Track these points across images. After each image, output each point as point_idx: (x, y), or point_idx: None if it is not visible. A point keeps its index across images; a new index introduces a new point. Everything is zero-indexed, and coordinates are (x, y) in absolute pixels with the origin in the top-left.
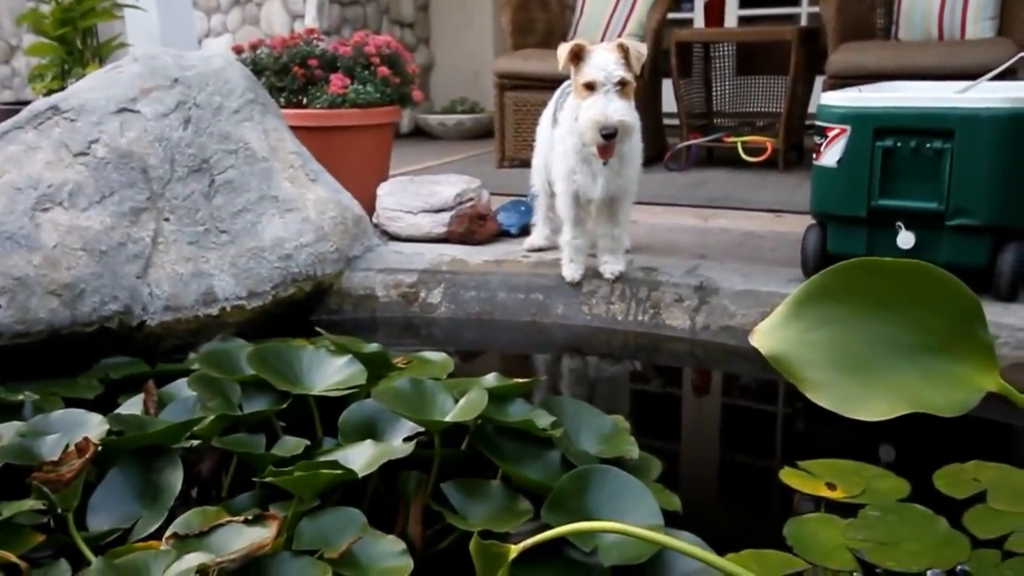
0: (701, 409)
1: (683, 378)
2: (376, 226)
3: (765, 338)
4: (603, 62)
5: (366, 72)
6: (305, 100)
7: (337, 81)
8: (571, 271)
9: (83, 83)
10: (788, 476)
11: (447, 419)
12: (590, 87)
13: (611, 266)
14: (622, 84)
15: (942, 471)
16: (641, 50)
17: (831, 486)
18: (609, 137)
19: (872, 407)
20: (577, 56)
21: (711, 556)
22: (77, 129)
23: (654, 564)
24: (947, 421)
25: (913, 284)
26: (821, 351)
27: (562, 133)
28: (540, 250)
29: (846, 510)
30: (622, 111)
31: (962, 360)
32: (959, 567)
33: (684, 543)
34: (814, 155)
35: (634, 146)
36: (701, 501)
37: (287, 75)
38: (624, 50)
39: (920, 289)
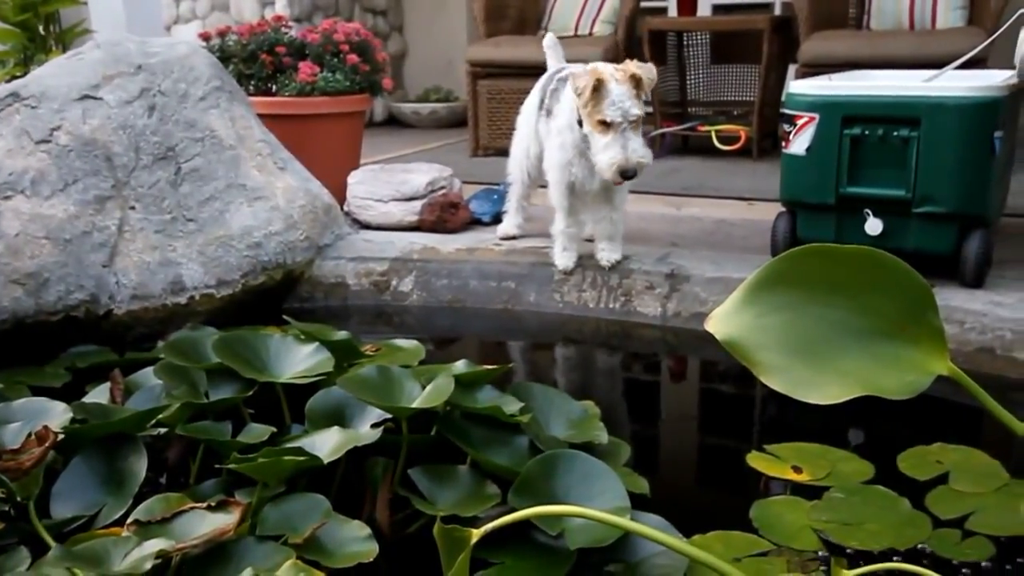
0: (671, 395)
1: (654, 365)
2: (347, 215)
3: (720, 323)
4: (619, 99)
5: (335, 60)
6: (274, 88)
7: (306, 69)
8: (564, 259)
9: (44, 70)
10: (755, 460)
11: (414, 405)
12: (606, 125)
13: (608, 254)
14: (637, 118)
15: (906, 453)
16: (652, 75)
17: (797, 469)
18: (629, 178)
19: (824, 390)
20: (596, 89)
21: (671, 539)
22: (38, 116)
23: (620, 546)
24: (912, 404)
25: (865, 270)
26: (774, 336)
27: (560, 126)
28: (512, 238)
29: (811, 492)
30: (640, 151)
31: (913, 344)
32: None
33: (643, 526)
34: (783, 143)
35: None
36: (669, 485)
37: (255, 63)
38: (637, 80)
39: (872, 275)
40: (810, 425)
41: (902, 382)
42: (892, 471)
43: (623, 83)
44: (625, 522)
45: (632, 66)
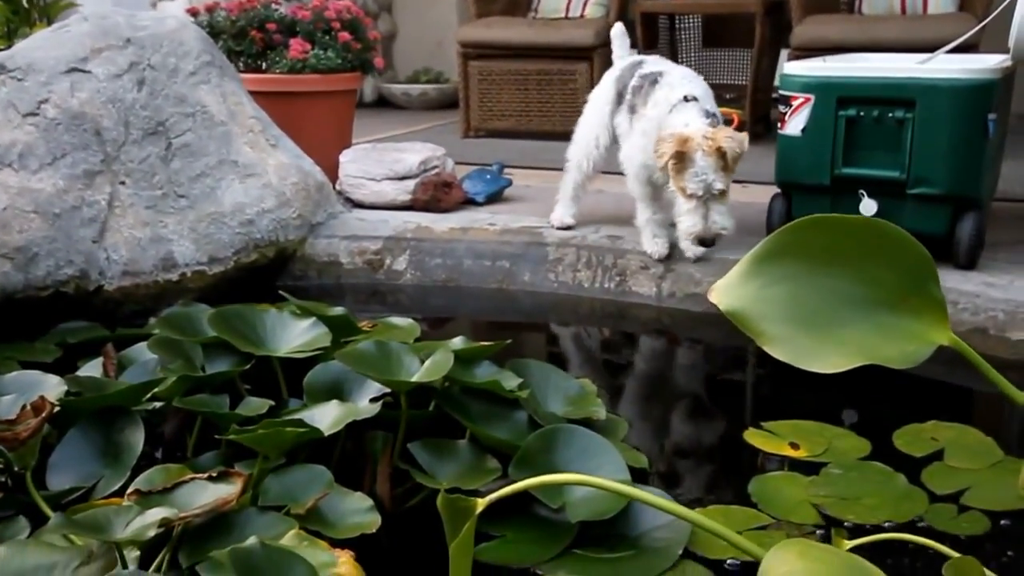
0: (666, 374)
1: (649, 344)
2: (339, 194)
3: (723, 295)
4: (702, 171)
5: (327, 37)
6: (264, 65)
7: (297, 46)
8: (657, 247)
9: (29, 42)
10: (752, 436)
11: (413, 379)
12: (688, 194)
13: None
14: (719, 192)
15: (901, 431)
16: (741, 149)
17: (794, 445)
18: (708, 246)
19: (827, 360)
20: (678, 159)
21: (676, 507)
22: (25, 89)
23: (621, 519)
24: (905, 384)
25: (867, 241)
26: (777, 306)
27: (645, 128)
28: (569, 228)
29: (809, 468)
30: (720, 221)
31: (914, 315)
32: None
33: (650, 495)
34: (778, 124)
35: None
36: (667, 460)
37: (244, 39)
38: (723, 155)
39: (874, 245)
40: (805, 403)
41: (903, 351)
42: (888, 448)
43: (709, 155)
44: (634, 491)
45: (721, 136)
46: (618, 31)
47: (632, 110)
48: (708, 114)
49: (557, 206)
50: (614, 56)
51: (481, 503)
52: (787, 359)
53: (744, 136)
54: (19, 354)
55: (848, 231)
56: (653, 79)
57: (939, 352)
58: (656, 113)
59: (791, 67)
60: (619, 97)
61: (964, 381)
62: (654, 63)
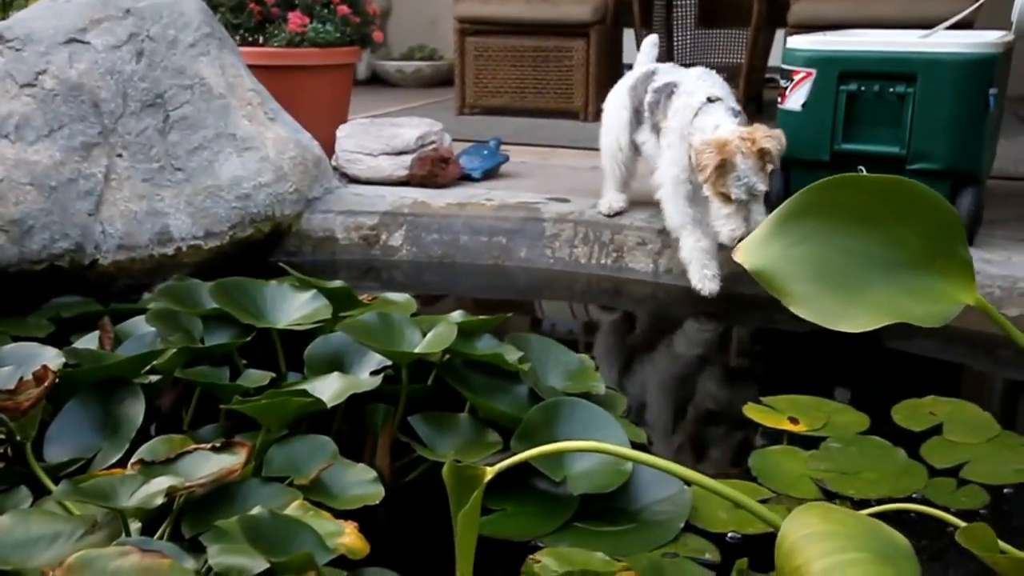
0: (664, 349)
1: (646, 320)
2: (335, 169)
3: (748, 254)
4: (744, 175)
5: (325, 11)
6: (261, 39)
7: (295, 19)
8: (708, 282)
9: (28, 12)
10: (751, 411)
11: (416, 351)
12: (728, 198)
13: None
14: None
15: (900, 406)
16: (782, 145)
17: (793, 420)
18: None
19: (854, 320)
20: (721, 167)
21: (689, 472)
22: (23, 59)
23: (622, 493)
24: (901, 361)
25: (894, 200)
26: (803, 266)
27: (671, 141)
28: (620, 213)
29: (808, 442)
30: (761, 221)
31: (941, 276)
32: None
33: (663, 461)
34: (779, 98)
35: None
36: (667, 435)
37: (243, 12)
38: (764, 156)
39: (901, 205)
40: (802, 379)
41: (931, 311)
42: (887, 423)
43: (749, 157)
44: (648, 457)
45: (759, 135)
46: (650, 41)
47: (655, 129)
48: (735, 112)
49: (604, 193)
50: (636, 62)
51: (490, 471)
52: (813, 319)
53: (781, 132)
54: (11, 329)
55: (876, 191)
56: (668, 91)
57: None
58: (678, 122)
59: (794, 41)
60: (637, 115)
61: (958, 359)
62: (666, 73)
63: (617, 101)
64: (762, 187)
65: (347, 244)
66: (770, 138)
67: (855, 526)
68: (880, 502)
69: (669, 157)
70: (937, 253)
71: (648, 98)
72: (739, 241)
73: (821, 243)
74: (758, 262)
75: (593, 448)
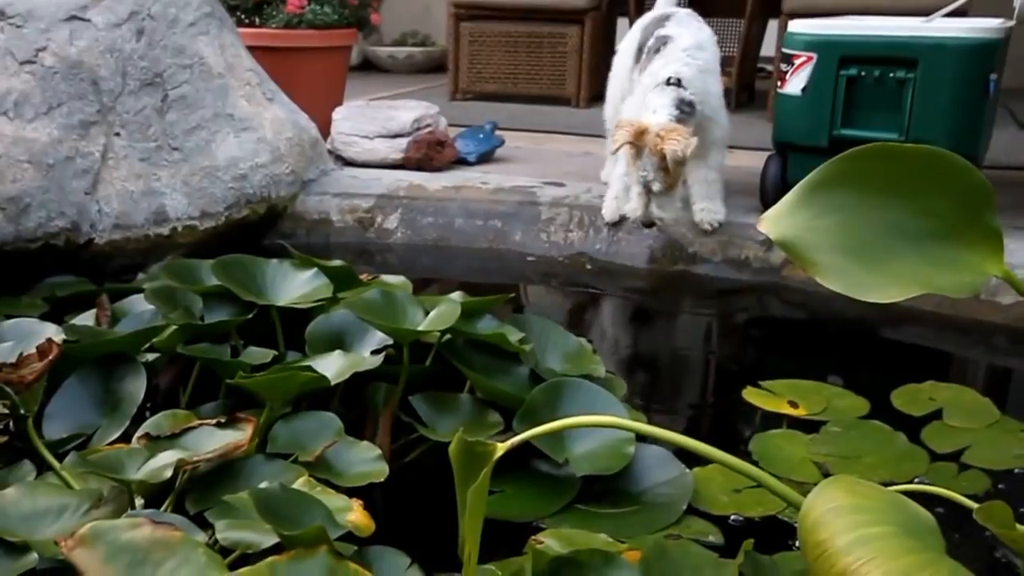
0: (660, 334)
1: (642, 305)
2: (331, 151)
3: (773, 224)
4: (644, 168)
5: None
6: (258, 20)
7: (294, 1)
8: (609, 214)
9: None
10: (751, 395)
11: (420, 328)
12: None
13: (708, 214)
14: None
15: (899, 391)
16: (683, 154)
17: (793, 404)
18: (647, 227)
19: (882, 290)
20: (634, 147)
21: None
22: (23, 36)
23: (623, 476)
24: (897, 348)
25: (924, 170)
26: (830, 237)
27: (636, 94)
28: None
29: (808, 426)
30: (658, 212)
31: (969, 247)
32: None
33: (673, 434)
34: (778, 83)
35: (715, 108)
36: (666, 418)
37: None
38: (664, 158)
39: (931, 175)
40: (799, 364)
41: (959, 281)
42: (886, 407)
43: (654, 155)
44: (662, 431)
45: (668, 139)
46: None
47: (641, 71)
48: (682, 103)
49: (606, 169)
50: (657, 4)
51: (501, 447)
52: (840, 289)
53: (691, 141)
54: (5, 307)
55: (905, 160)
56: (663, 42)
57: (929, 317)
58: (644, 86)
59: (795, 25)
60: (639, 53)
61: (953, 346)
62: (677, 22)
63: (627, 47)
64: (657, 187)
65: (342, 227)
66: (675, 143)
67: (880, 500)
68: (884, 485)
69: (630, 103)
70: (966, 224)
71: (651, 41)
72: (638, 223)
73: (848, 214)
74: (784, 232)
75: (610, 423)
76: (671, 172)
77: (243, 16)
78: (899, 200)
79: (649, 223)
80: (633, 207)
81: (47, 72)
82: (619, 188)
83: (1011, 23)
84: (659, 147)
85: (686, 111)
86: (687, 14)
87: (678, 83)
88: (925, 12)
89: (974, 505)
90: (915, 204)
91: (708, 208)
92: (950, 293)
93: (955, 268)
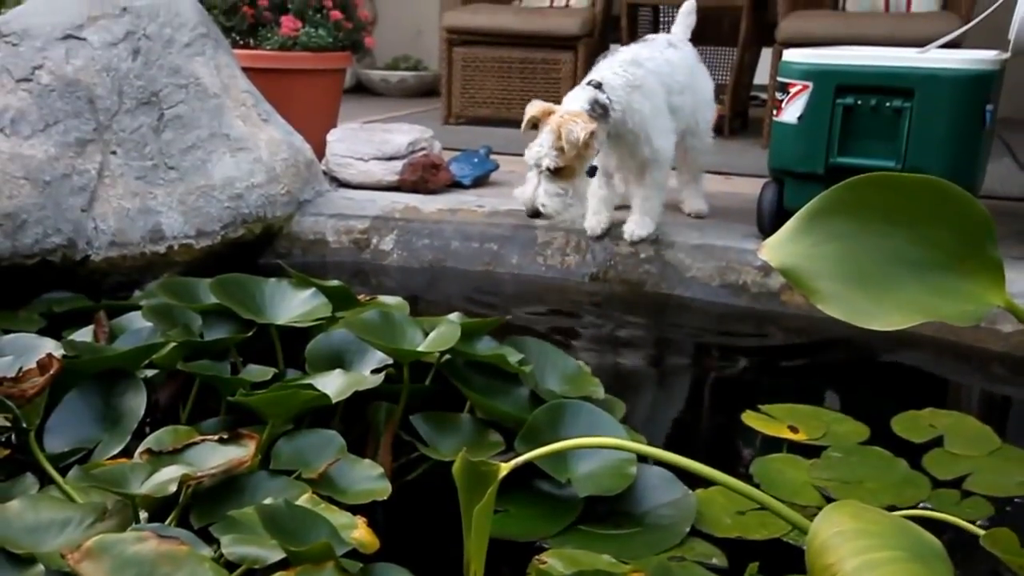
0: (658, 357)
1: (640, 328)
2: (325, 173)
3: (774, 251)
4: (538, 144)
5: (318, 15)
6: (252, 42)
7: (288, 23)
8: (592, 227)
9: (26, 7)
10: (750, 419)
11: (419, 349)
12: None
13: (631, 227)
14: (553, 170)
15: (899, 417)
16: (578, 135)
17: (793, 428)
18: (532, 217)
19: (886, 317)
20: (534, 125)
21: (704, 467)
22: (20, 54)
23: (626, 497)
24: (895, 374)
25: (924, 199)
26: (830, 264)
27: None
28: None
29: (809, 451)
30: (544, 199)
31: (971, 277)
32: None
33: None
34: (774, 111)
35: (642, 125)
36: (666, 441)
37: (235, 15)
38: (560, 136)
39: (931, 204)
40: (796, 389)
41: (963, 310)
42: (886, 433)
43: (552, 132)
44: (669, 455)
45: (568, 119)
46: (684, 9)
47: None
48: (595, 103)
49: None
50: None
51: (505, 467)
52: (842, 316)
53: (589, 127)
54: (2, 322)
55: (904, 190)
56: (609, 55)
57: (928, 344)
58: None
59: (790, 54)
60: None
61: (951, 373)
62: (644, 42)
63: None
64: (548, 163)
65: (337, 247)
66: (574, 124)
67: (887, 525)
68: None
69: None
70: (967, 254)
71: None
72: (526, 210)
73: (848, 242)
74: (785, 260)
75: (615, 445)
76: (566, 153)
77: (238, 38)
78: (899, 229)
79: (534, 212)
80: (522, 190)
81: (43, 90)
82: (596, 203)
83: (1006, 55)
84: (558, 125)
85: (597, 111)
86: (663, 39)
87: (598, 86)
88: (919, 43)
89: (979, 531)
90: (915, 233)
91: (635, 221)
92: (953, 322)
93: (958, 297)
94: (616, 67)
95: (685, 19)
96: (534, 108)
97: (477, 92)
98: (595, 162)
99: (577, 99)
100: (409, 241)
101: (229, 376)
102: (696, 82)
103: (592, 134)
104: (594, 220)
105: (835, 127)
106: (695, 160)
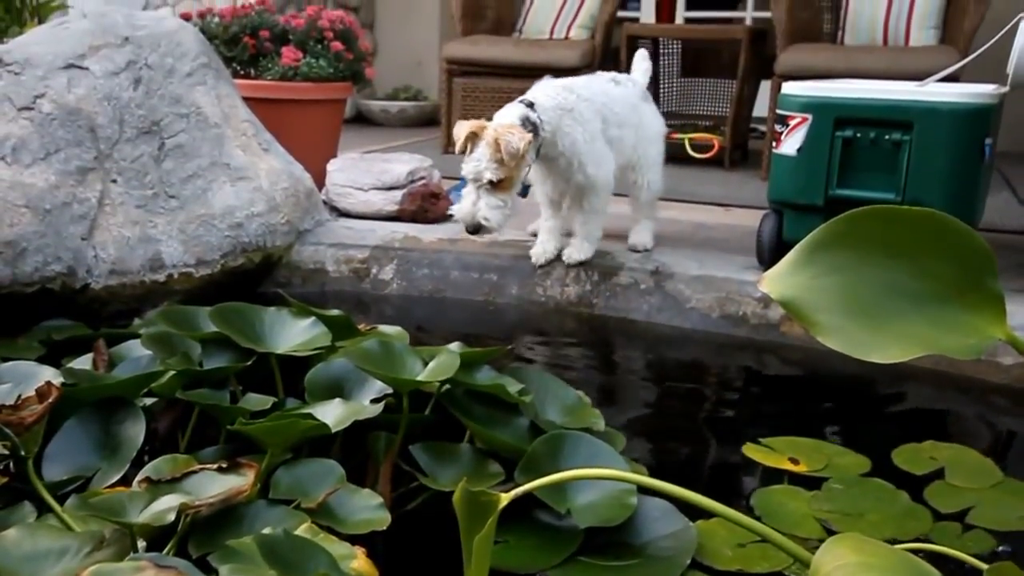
0: (658, 389)
1: (640, 360)
2: (325, 202)
3: (774, 284)
4: (477, 158)
5: (319, 46)
6: (254, 72)
7: (289, 54)
8: (539, 258)
9: (28, 37)
10: (751, 451)
11: (419, 378)
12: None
13: (573, 250)
14: (493, 183)
15: (900, 449)
16: (516, 145)
17: (794, 461)
18: (472, 233)
19: (886, 350)
20: (472, 138)
21: (705, 500)
22: (22, 83)
23: (626, 528)
24: (896, 407)
25: (924, 232)
26: (831, 297)
27: None
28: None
29: (810, 483)
30: (486, 212)
31: (972, 310)
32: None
33: (678, 488)
34: (774, 143)
35: (574, 149)
36: (667, 473)
37: (237, 45)
38: (498, 147)
39: (931, 237)
40: (797, 422)
41: (964, 344)
42: (887, 465)
43: (490, 145)
44: (670, 487)
45: (504, 131)
46: (640, 55)
47: None
48: (525, 119)
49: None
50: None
51: (505, 498)
52: (842, 348)
53: (526, 137)
54: (2, 350)
55: (904, 223)
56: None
57: (928, 376)
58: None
59: (790, 87)
60: None
61: (952, 405)
62: (580, 78)
63: None
64: (489, 176)
65: (337, 277)
66: (511, 135)
67: (890, 558)
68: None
69: None
70: (968, 287)
71: None
72: (464, 225)
73: (848, 274)
74: (785, 292)
75: (615, 476)
76: (506, 165)
77: (239, 68)
78: (899, 261)
79: (475, 227)
80: (460, 207)
81: (45, 119)
82: (544, 234)
83: (1005, 89)
84: (495, 138)
85: (527, 128)
86: (609, 75)
87: (530, 105)
88: (917, 77)
89: (982, 565)
90: (915, 266)
91: (575, 246)
92: (954, 355)
93: (958, 330)
94: (549, 90)
95: (640, 64)
96: (468, 125)
97: None
98: (528, 182)
99: (510, 114)
100: (409, 271)
101: (228, 405)
102: (641, 119)
103: (529, 143)
104: (539, 249)
105: (834, 159)
106: (638, 195)
